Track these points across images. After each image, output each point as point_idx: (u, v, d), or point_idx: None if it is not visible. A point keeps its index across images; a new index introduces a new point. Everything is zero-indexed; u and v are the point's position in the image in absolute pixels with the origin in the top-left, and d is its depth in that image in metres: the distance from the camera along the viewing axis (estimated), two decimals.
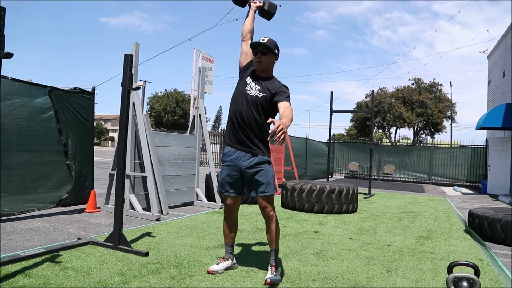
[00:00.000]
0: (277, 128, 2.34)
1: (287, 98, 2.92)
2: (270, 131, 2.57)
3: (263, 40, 2.99)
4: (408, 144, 22.92)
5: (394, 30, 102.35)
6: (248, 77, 3.11)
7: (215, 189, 6.74)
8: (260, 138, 3.01)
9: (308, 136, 16.09)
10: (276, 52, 3.07)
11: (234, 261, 3.21)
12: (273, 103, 2.95)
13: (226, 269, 3.10)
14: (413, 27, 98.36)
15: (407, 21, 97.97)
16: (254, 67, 3.12)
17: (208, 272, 3.02)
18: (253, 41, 3.10)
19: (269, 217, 2.98)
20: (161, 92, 48.13)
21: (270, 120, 2.48)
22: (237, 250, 3.78)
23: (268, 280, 2.83)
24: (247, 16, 3.31)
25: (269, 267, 2.96)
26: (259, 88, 3.02)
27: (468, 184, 16.39)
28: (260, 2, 3.33)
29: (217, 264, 3.10)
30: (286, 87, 3.03)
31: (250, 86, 3.05)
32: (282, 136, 2.35)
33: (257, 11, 3.35)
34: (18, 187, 4.67)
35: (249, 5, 3.32)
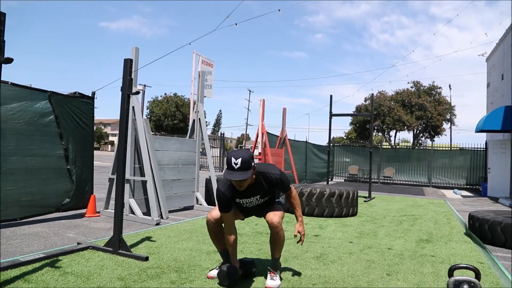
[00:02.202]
0: (301, 239, 3.04)
1: (289, 186, 3.04)
2: (298, 242, 3.11)
3: (236, 164, 2.68)
4: (408, 147, 22.93)
5: (392, 34, 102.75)
6: (237, 199, 2.97)
7: (215, 193, 6.73)
8: (271, 202, 3.11)
9: (308, 139, 16.09)
10: (253, 165, 2.79)
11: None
12: (274, 188, 3.00)
13: None
14: (411, 31, 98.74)
15: (404, 25, 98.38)
16: (230, 189, 2.90)
17: (208, 278, 3.01)
18: (227, 169, 2.76)
19: (276, 228, 2.89)
20: (160, 96, 48.17)
21: (296, 233, 3.08)
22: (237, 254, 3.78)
23: (268, 285, 2.83)
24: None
25: (268, 272, 2.96)
26: (259, 196, 2.97)
27: (468, 186, 16.37)
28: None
29: (217, 268, 3.09)
30: (278, 179, 2.93)
31: (247, 202, 3.00)
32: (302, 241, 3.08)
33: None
34: (19, 192, 4.67)
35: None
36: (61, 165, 5.19)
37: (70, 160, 5.29)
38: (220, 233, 3.08)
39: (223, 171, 2.92)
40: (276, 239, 2.94)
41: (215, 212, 3.03)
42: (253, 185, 2.90)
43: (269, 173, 2.92)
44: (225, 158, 2.76)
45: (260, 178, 2.90)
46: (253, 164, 2.78)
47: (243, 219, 3.30)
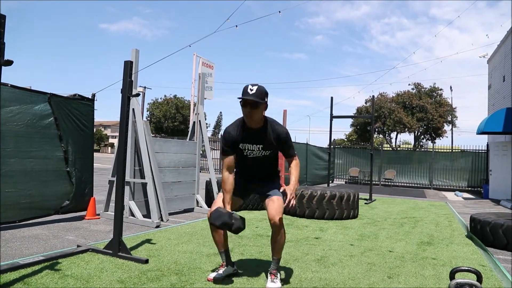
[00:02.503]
0: (290, 201, 2.81)
1: (293, 151, 3.05)
2: (285, 204, 2.87)
3: (251, 90, 2.78)
4: (409, 149, 22.89)
5: (392, 35, 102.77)
6: (240, 144, 2.95)
7: (216, 195, 6.72)
8: (271, 172, 3.13)
9: (309, 141, 16.08)
10: (266, 99, 2.88)
11: (234, 267, 3.18)
12: (279, 145, 2.99)
13: (228, 275, 3.07)
14: (411, 32, 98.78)
15: (405, 26, 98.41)
16: (238, 133, 2.93)
17: (208, 280, 2.99)
18: (242, 94, 2.83)
19: (278, 227, 2.87)
20: (161, 98, 48.20)
21: (282, 189, 2.89)
22: (237, 256, 3.77)
23: (269, 287, 2.80)
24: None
25: (268, 275, 2.94)
26: (262, 146, 2.95)
27: (469, 189, 16.34)
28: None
29: (217, 271, 3.07)
30: (287, 133, 2.96)
31: (249, 149, 2.97)
32: (291, 206, 2.83)
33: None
34: (18, 194, 4.66)
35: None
36: (60, 167, 5.19)
37: (69, 162, 5.29)
38: (222, 233, 3.05)
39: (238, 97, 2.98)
40: (278, 237, 2.93)
41: (217, 205, 2.98)
42: (259, 131, 2.91)
43: (277, 124, 2.98)
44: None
45: (267, 125, 2.94)
46: (266, 99, 2.88)
47: (241, 204, 3.26)
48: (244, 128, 2.92)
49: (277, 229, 2.88)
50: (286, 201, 2.85)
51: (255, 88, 2.80)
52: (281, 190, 2.98)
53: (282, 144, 2.97)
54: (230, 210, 2.89)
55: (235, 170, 3.01)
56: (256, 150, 2.96)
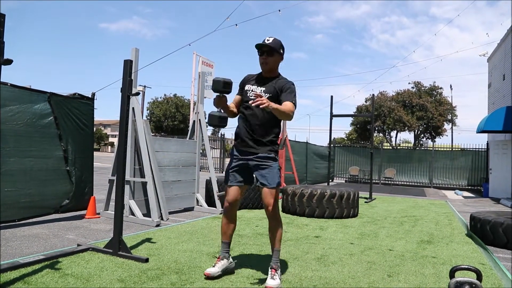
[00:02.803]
0: (259, 98, 2.67)
1: (293, 98, 3.00)
2: (251, 102, 2.78)
3: (268, 40, 3.00)
4: (409, 148, 22.89)
5: (392, 34, 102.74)
6: (247, 85, 3.14)
7: (215, 194, 6.73)
8: (268, 139, 3.07)
9: (309, 140, 16.08)
10: (282, 52, 3.09)
11: (230, 259, 3.19)
12: (281, 93, 3.00)
13: (223, 270, 3.09)
14: (411, 31, 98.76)
15: (405, 25, 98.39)
16: (251, 76, 3.18)
17: (205, 275, 3.00)
18: (257, 43, 3.05)
19: (272, 215, 2.98)
20: (160, 97, 48.13)
21: (251, 103, 2.77)
22: (237, 255, 3.77)
23: (268, 285, 2.82)
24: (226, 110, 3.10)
25: (269, 270, 2.95)
26: (264, 89, 3.05)
27: (469, 187, 16.34)
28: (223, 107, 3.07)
29: (213, 266, 3.08)
30: (292, 84, 3.06)
31: (253, 91, 3.07)
32: (258, 102, 2.65)
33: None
34: (18, 193, 4.66)
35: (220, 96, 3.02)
36: (60, 166, 5.19)
37: (69, 161, 5.29)
38: (233, 220, 3.17)
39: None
40: (275, 225, 3.00)
41: (229, 197, 3.10)
42: (270, 79, 3.07)
43: (288, 80, 3.10)
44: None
45: (279, 78, 3.09)
46: (282, 51, 3.08)
47: (246, 190, 3.36)
48: (259, 75, 3.15)
49: (273, 217, 2.99)
50: (255, 100, 2.73)
51: (271, 38, 3.01)
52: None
53: (283, 88, 3.00)
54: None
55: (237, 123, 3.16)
56: (259, 92, 3.03)
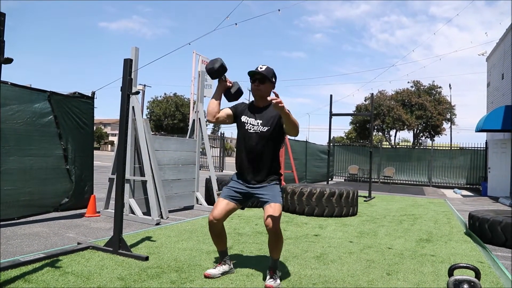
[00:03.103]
0: (277, 99, 2.60)
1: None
2: (270, 98, 2.75)
3: (261, 68, 2.98)
4: (408, 147, 22.92)
5: (391, 33, 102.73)
6: (244, 116, 3.06)
7: (215, 193, 6.74)
8: (271, 169, 3.03)
9: (308, 139, 16.09)
10: (274, 80, 3.05)
11: (231, 265, 3.19)
12: (280, 127, 2.96)
13: (223, 273, 3.09)
14: (410, 30, 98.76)
15: (404, 24, 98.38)
16: (244, 107, 3.12)
17: (205, 276, 3.01)
18: (251, 70, 3.00)
19: (274, 233, 2.85)
20: (160, 96, 48.08)
21: (270, 98, 2.69)
22: (236, 253, 3.78)
23: (268, 284, 2.82)
24: (214, 97, 3.11)
25: (268, 270, 2.96)
26: (261, 121, 2.99)
27: (468, 186, 16.37)
28: (230, 83, 3.14)
29: (214, 268, 3.09)
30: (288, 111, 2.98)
31: (250, 124, 3.01)
32: (278, 100, 2.59)
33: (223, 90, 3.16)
34: (18, 192, 4.67)
35: (219, 81, 3.10)
36: (60, 165, 5.19)
37: (69, 160, 5.29)
38: (221, 234, 3.08)
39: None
40: (275, 242, 2.91)
41: (216, 212, 2.96)
42: (264, 108, 3.05)
43: None
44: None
45: (269, 105, 3.04)
46: (274, 80, 3.07)
47: (243, 207, 3.29)
48: (251, 105, 3.13)
49: (274, 235, 2.86)
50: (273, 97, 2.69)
51: (264, 67, 3.01)
52: (268, 98, 2.90)
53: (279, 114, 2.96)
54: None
55: (236, 161, 3.12)
56: (257, 125, 3.00)
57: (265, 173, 3.01)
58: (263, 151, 2.98)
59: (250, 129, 3.00)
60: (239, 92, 3.18)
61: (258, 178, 3.00)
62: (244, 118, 3.06)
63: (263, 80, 2.98)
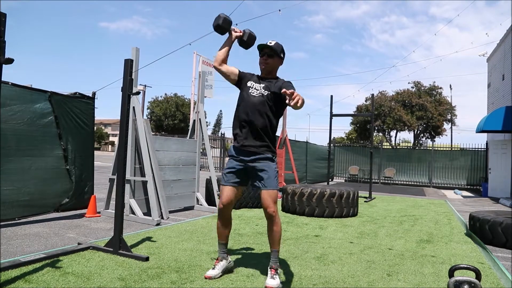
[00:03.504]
0: (293, 94, 2.53)
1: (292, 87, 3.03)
2: (287, 92, 2.55)
3: (270, 43, 3.07)
4: (409, 148, 22.91)
5: (392, 34, 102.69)
6: (250, 81, 3.17)
7: (216, 194, 6.74)
8: (266, 138, 3.05)
9: (308, 140, 16.10)
10: (282, 56, 3.16)
11: (229, 259, 3.21)
12: (280, 98, 3.00)
13: (223, 270, 3.10)
14: (410, 31, 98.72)
15: (404, 25, 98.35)
16: (251, 75, 3.22)
17: (206, 278, 3.01)
18: (260, 43, 3.13)
19: (271, 217, 2.95)
20: (161, 97, 48.10)
21: (283, 90, 2.59)
22: (237, 254, 3.78)
23: (268, 284, 2.83)
24: (224, 45, 3.23)
25: (268, 270, 2.96)
26: (264, 86, 3.09)
27: (468, 187, 16.36)
28: (240, 32, 3.24)
29: (213, 268, 3.08)
30: (290, 82, 3.09)
31: (254, 88, 3.11)
32: (297, 99, 2.52)
33: (236, 40, 3.28)
34: (18, 192, 4.67)
35: (229, 33, 3.24)
36: (60, 165, 5.20)
37: (69, 160, 5.30)
38: (228, 222, 3.16)
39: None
40: (274, 227, 2.97)
41: (224, 199, 3.07)
42: (268, 79, 3.13)
43: (283, 79, 3.14)
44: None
45: (276, 78, 3.17)
46: (283, 55, 3.16)
47: (243, 193, 3.35)
48: (257, 75, 3.22)
49: (272, 219, 2.95)
50: (292, 98, 2.55)
51: (274, 42, 3.09)
52: (282, 91, 2.65)
53: (283, 85, 2.98)
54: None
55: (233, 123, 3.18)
56: (259, 89, 3.09)
57: (260, 138, 3.03)
58: (261, 113, 3.02)
59: (253, 92, 3.09)
60: (252, 38, 3.27)
61: (252, 142, 3.02)
62: (249, 83, 3.16)
63: (272, 54, 3.08)
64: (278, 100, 3.05)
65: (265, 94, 3.05)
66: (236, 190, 3.09)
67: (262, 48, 3.10)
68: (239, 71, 3.24)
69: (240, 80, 3.21)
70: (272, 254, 3.01)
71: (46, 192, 5.02)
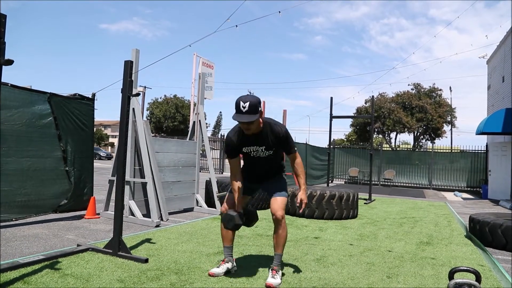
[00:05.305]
0: (301, 203, 3.06)
1: (293, 147, 3.10)
2: (297, 204, 3.11)
3: (244, 107, 2.79)
4: (408, 149, 22.91)
5: (391, 36, 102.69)
6: (244, 147, 3.06)
7: (215, 195, 6.73)
8: (277, 171, 3.24)
9: (308, 141, 16.10)
10: (260, 110, 2.89)
11: (234, 263, 3.24)
12: (280, 145, 3.06)
13: (227, 271, 3.14)
14: (410, 33, 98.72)
15: (404, 27, 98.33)
16: (239, 137, 3.02)
17: (209, 275, 3.06)
18: (235, 110, 2.86)
19: (279, 221, 3.02)
20: (161, 98, 48.12)
21: (298, 201, 3.08)
22: (237, 255, 3.77)
23: (268, 282, 2.85)
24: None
25: (269, 271, 3.00)
26: (264, 147, 3.05)
27: (468, 189, 16.35)
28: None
29: (218, 267, 3.14)
30: (285, 131, 3.02)
31: (254, 151, 3.07)
32: (304, 206, 3.09)
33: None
34: (15, 192, 4.66)
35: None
36: (58, 166, 5.19)
37: (68, 161, 5.29)
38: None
39: (233, 114, 2.95)
40: (280, 231, 3.05)
41: (228, 204, 3.16)
42: (260, 134, 3.00)
43: (275, 124, 3.03)
44: (235, 101, 2.87)
45: (266, 128, 3.00)
46: (260, 109, 2.89)
47: (250, 201, 3.44)
48: (244, 133, 3.00)
49: (279, 224, 3.02)
50: (301, 208, 3.11)
51: (247, 104, 2.80)
52: (297, 204, 3.14)
53: (282, 143, 3.04)
54: (240, 210, 3.10)
55: (241, 168, 3.22)
56: (261, 151, 3.06)
57: (272, 175, 3.23)
58: (271, 166, 3.19)
59: (256, 155, 3.09)
60: (244, 218, 3.15)
61: (265, 179, 3.22)
62: (245, 149, 3.07)
63: (251, 122, 2.85)
64: (279, 148, 3.09)
65: (268, 153, 3.07)
66: (242, 198, 3.18)
67: (240, 122, 2.89)
68: (235, 154, 3.07)
69: (239, 152, 3.10)
70: (275, 256, 3.08)
71: (44, 193, 5.01)
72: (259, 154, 3.07)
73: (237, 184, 3.08)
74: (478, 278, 2.48)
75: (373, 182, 15.59)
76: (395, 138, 37.62)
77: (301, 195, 3.09)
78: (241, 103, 2.81)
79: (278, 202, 3.06)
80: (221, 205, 3.29)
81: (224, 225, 3.09)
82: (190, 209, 6.78)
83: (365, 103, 35.48)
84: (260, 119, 2.93)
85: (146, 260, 3.41)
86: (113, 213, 3.91)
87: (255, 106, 2.82)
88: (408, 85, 36.88)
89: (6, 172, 4.53)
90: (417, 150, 23.59)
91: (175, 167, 6.37)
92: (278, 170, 3.25)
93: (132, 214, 5.45)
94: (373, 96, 11.56)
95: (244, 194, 3.18)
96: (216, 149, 21.86)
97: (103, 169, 14.83)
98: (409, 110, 34.18)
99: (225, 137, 3.33)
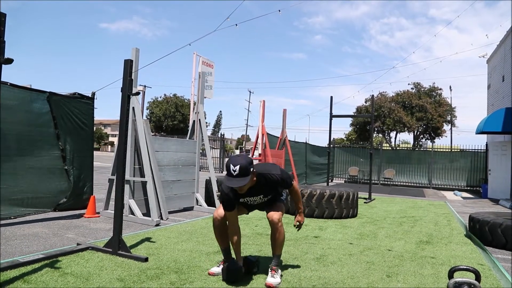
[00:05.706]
0: (300, 225, 3.35)
1: (290, 182, 3.10)
2: (295, 224, 3.38)
3: (234, 171, 2.74)
4: (408, 149, 22.92)
5: (391, 35, 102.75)
6: (241, 199, 3.04)
7: (215, 194, 6.73)
8: (275, 199, 3.22)
9: (308, 141, 16.10)
10: (252, 171, 2.83)
11: None
12: (278, 187, 3.09)
13: None
14: (410, 32, 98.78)
15: (404, 26, 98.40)
16: (235, 194, 2.97)
17: (209, 274, 3.07)
18: (227, 174, 2.82)
19: (275, 225, 3.02)
20: (160, 97, 48.13)
21: (295, 222, 3.36)
22: None
23: (268, 282, 2.86)
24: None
25: (269, 270, 3.00)
26: (261, 196, 3.06)
27: (468, 188, 16.35)
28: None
29: (218, 266, 3.16)
30: (280, 178, 2.99)
31: (251, 200, 3.07)
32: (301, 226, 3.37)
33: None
34: (12, 190, 4.66)
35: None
36: (57, 165, 5.19)
37: (67, 160, 5.29)
38: (224, 231, 3.15)
39: (224, 176, 2.96)
40: (276, 235, 3.05)
41: (220, 210, 3.09)
42: (255, 187, 2.97)
43: (269, 174, 2.97)
44: (225, 162, 2.79)
45: (261, 180, 2.96)
46: (251, 169, 2.82)
47: (247, 214, 3.39)
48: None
49: (275, 227, 3.03)
50: (299, 228, 3.42)
51: (237, 168, 2.73)
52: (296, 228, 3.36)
53: (280, 185, 3.07)
54: (240, 263, 3.07)
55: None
56: (258, 199, 3.09)
57: (272, 202, 3.23)
58: (270, 201, 3.19)
59: (254, 203, 3.12)
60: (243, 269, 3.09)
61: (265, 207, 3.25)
62: (242, 200, 3.06)
63: (244, 185, 2.80)
64: (278, 189, 3.12)
65: (266, 198, 3.11)
66: (237, 212, 3.12)
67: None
68: (231, 207, 3.00)
69: (236, 204, 3.04)
70: (274, 257, 3.10)
71: (44, 192, 5.02)
72: (257, 202, 3.12)
73: (236, 238, 3.05)
74: (478, 277, 2.48)
75: (373, 181, 15.59)
76: (395, 138, 37.63)
77: (299, 217, 3.34)
78: (231, 166, 2.74)
79: (275, 207, 3.10)
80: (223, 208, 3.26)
81: (223, 277, 2.97)
82: (190, 208, 6.79)
83: (365, 102, 35.47)
84: (254, 177, 2.88)
85: (146, 259, 3.41)
86: (113, 212, 3.91)
87: (246, 168, 2.74)
88: (408, 84, 36.91)
89: (6, 171, 4.53)
90: (417, 149, 23.59)
91: (175, 166, 6.37)
92: (276, 197, 3.21)
93: (132, 213, 5.45)
94: (373, 95, 11.55)
95: (240, 207, 3.16)
96: (216, 148, 21.85)
97: (103, 168, 14.83)
98: (409, 110, 34.18)
99: (220, 193, 3.33)
